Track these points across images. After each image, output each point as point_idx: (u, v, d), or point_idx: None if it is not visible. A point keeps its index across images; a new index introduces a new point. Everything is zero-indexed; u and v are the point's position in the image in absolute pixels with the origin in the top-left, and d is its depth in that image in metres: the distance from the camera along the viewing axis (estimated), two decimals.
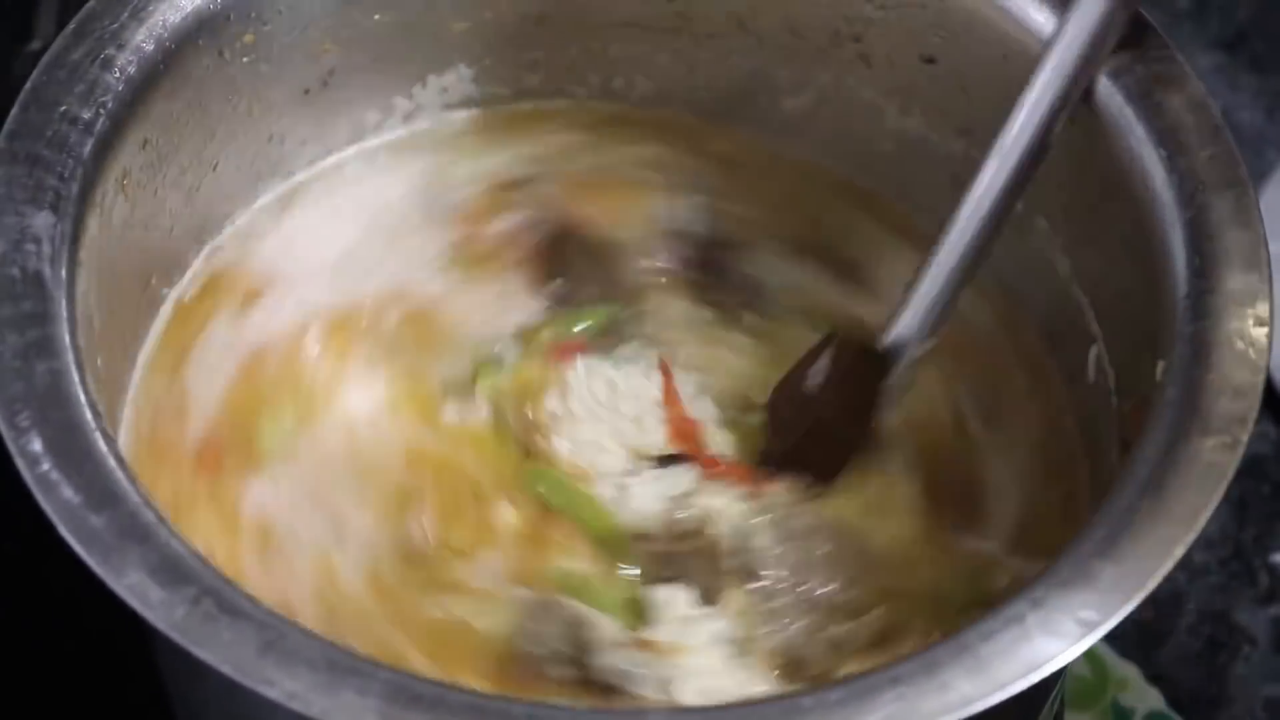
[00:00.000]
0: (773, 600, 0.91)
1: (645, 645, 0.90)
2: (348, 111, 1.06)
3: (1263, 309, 0.87)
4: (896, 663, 0.79)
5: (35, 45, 1.19)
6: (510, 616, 0.91)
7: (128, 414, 0.96)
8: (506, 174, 1.07)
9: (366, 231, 1.05)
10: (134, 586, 0.79)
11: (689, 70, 1.08)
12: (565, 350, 0.99)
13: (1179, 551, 0.82)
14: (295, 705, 0.77)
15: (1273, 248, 0.90)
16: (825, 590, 0.91)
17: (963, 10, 1.00)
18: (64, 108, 0.91)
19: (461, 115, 1.09)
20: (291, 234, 1.04)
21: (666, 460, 0.96)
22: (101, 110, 0.92)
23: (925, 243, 0.94)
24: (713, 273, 1.03)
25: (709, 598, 0.92)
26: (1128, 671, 1.18)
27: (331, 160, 1.07)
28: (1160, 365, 0.87)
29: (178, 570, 0.80)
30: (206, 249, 1.02)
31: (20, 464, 0.82)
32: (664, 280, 1.03)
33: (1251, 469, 1.25)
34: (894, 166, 1.06)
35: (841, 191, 1.06)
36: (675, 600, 0.92)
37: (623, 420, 0.96)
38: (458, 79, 1.08)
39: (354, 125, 1.07)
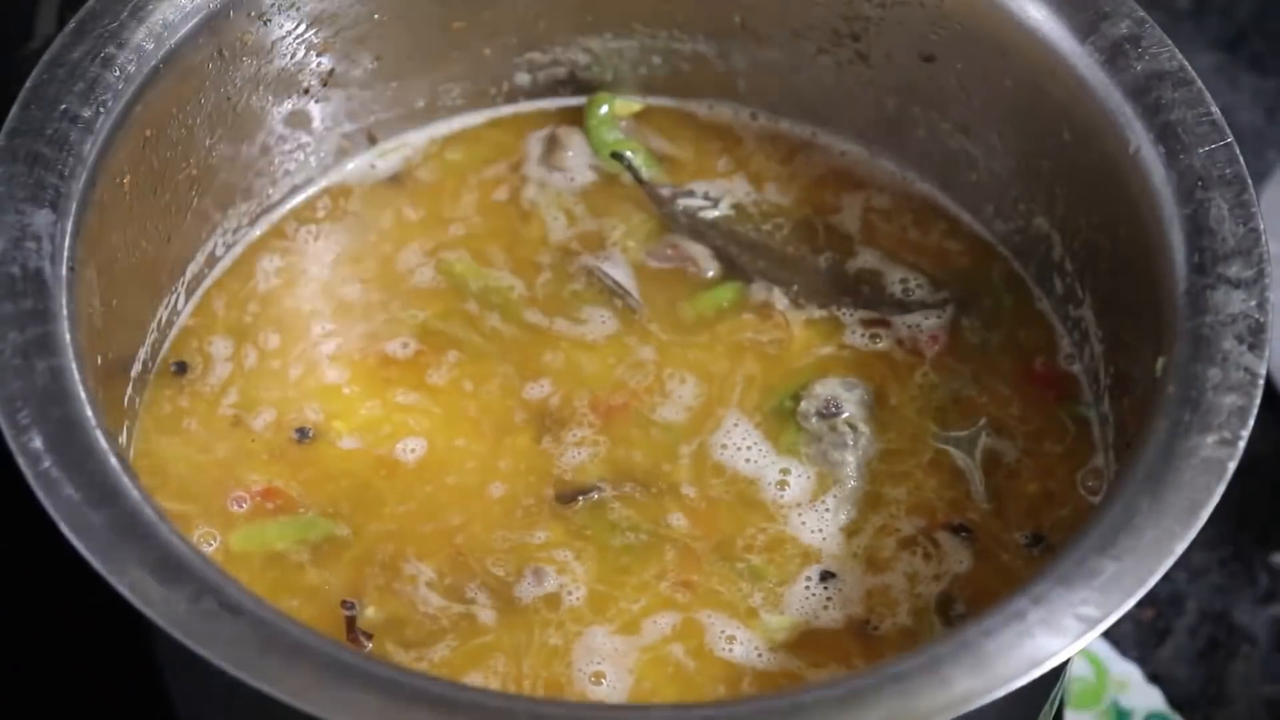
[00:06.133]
0: None
1: None
2: (348, 111, 1.06)
3: (1262, 305, 0.88)
4: (897, 660, 0.79)
5: (35, 44, 1.18)
6: None
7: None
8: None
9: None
10: (135, 584, 0.79)
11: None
12: None
13: (1179, 548, 0.82)
14: (297, 702, 0.77)
15: (1273, 247, 0.91)
16: None
17: (961, 9, 1.00)
18: (64, 106, 0.92)
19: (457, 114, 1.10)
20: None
21: None
22: (102, 109, 0.92)
23: None
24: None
25: None
26: (1128, 671, 1.18)
27: (332, 159, 1.07)
28: (1160, 361, 0.87)
29: (178, 568, 0.80)
30: (207, 246, 1.02)
31: (21, 462, 0.82)
32: None
33: (1251, 469, 1.25)
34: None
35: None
36: None
37: None
38: (457, 78, 1.08)
39: (354, 124, 1.07)
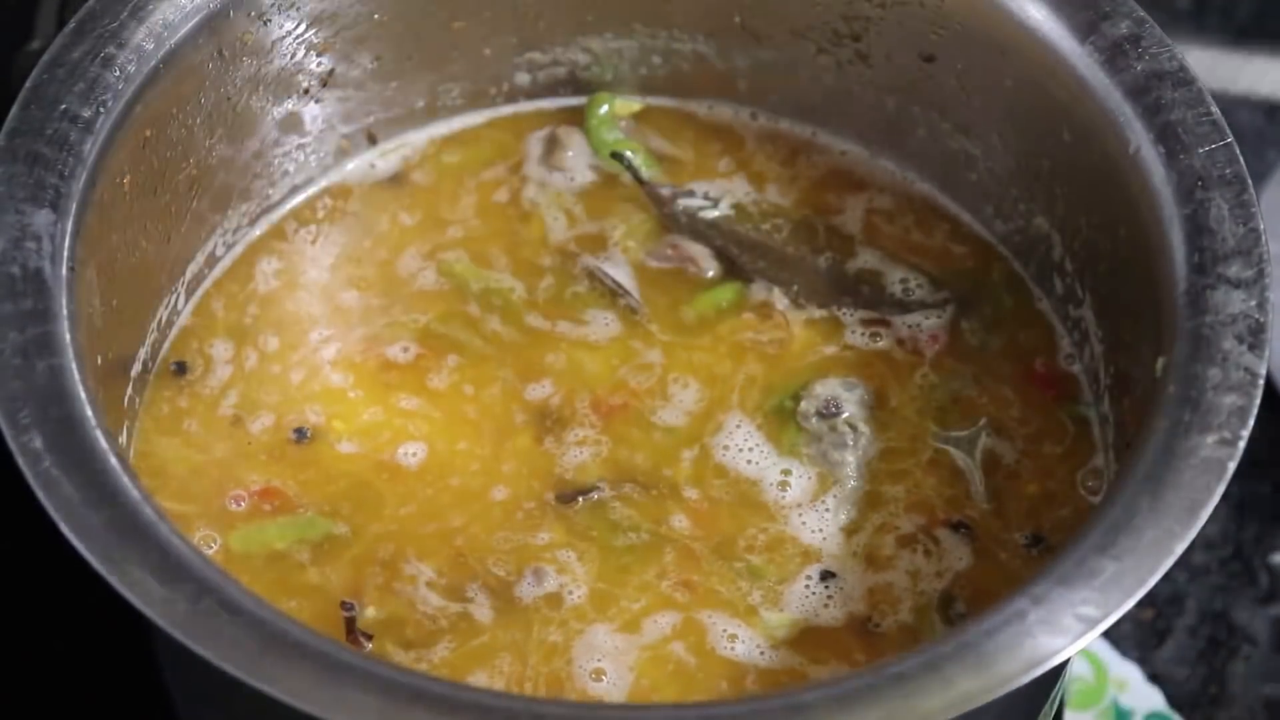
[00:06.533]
0: None
1: None
2: (347, 111, 1.06)
3: (1262, 305, 0.88)
4: (898, 659, 0.79)
5: (35, 44, 1.18)
6: None
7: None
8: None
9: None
10: (135, 584, 0.79)
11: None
12: None
13: (1179, 548, 0.82)
14: (297, 703, 0.77)
15: (1273, 247, 0.91)
16: None
17: (961, 9, 1.00)
18: (64, 106, 0.92)
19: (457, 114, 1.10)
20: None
21: None
22: (102, 109, 0.92)
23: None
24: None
25: None
26: (1128, 671, 1.18)
27: (331, 159, 1.07)
28: (1160, 361, 0.87)
29: (179, 567, 0.80)
30: (207, 246, 1.02)
31: (21, 462, 0.82)
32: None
33: (1251, 469, 1.25)
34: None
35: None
36: None
37: None
38: (457, 78, 1.08)
39: (354, 124, 1.07)
